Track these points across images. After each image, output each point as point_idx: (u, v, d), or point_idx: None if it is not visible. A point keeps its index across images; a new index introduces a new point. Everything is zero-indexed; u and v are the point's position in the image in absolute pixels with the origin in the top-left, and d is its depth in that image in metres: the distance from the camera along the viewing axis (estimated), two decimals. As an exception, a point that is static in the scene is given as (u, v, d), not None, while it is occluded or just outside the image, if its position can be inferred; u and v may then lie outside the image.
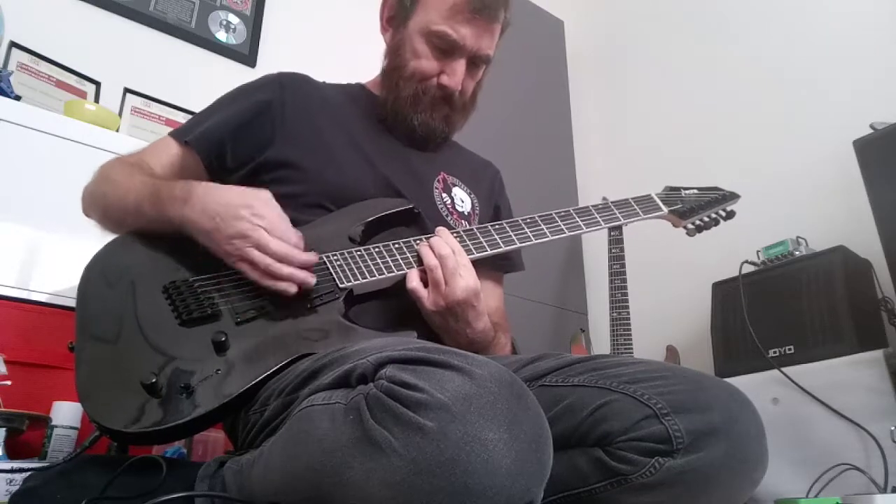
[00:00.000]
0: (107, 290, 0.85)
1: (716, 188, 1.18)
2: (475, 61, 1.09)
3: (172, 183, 0.92)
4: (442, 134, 1.14)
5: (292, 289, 0.84)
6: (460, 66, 1.07)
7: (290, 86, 1.09)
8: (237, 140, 1.03)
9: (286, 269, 0.83)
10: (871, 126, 1.49)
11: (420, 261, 0.92)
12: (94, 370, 0.77)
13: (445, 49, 1.06)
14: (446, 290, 0.89)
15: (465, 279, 0.90)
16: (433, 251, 0.91)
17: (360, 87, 1.21)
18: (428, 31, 1.06)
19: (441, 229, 0.96)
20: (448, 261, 0.90)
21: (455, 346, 0.98)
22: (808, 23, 2.04)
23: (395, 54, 1.11)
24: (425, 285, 0.91)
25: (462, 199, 1.13)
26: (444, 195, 1.10)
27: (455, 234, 0.97)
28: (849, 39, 1.90)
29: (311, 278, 0.86)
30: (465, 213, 1.12)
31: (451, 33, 1.04)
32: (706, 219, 1.16)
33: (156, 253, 0.89)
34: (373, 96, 1.17)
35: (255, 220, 0.83)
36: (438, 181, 1.12)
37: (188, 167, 1.03)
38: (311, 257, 0.87)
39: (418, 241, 0.95)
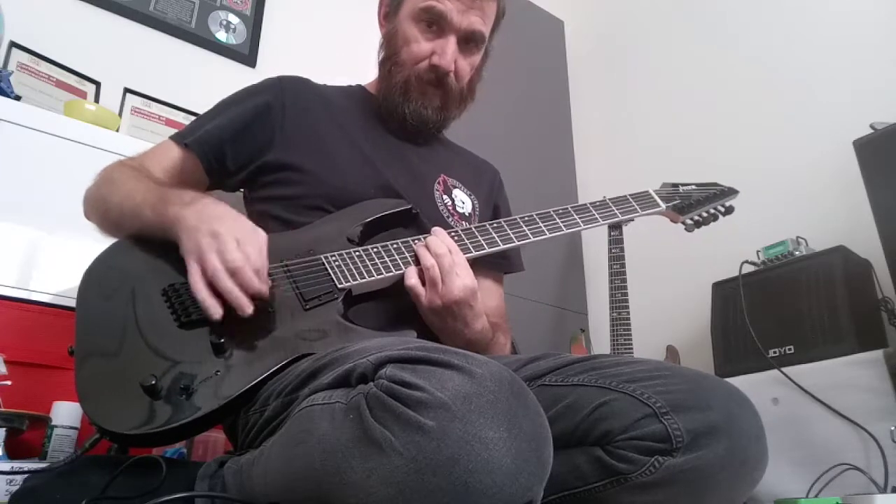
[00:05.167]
0: (107, 293, 0.85)
1: (714, 184, 1.18)
2: (466, 39, 1.09)
3: (184, 190, 0.92)
4: (435, 123, 1.13)
5: (215, 311, 0.78)
6: (450, 44, 1.07)
7: (290, 88, 1.09)
8: (237, 143, 1.03)
9: (226, 284, 0.78)
10: (871, 126, 1.49)
11: (418, 260, 0.92)
12: (94, 373, 0.77)
13: (432, 23, 1.06)
14: (443, 289, 0.89)
15: (462, 278, 0.90)
16: (430, 250, 0.91)
17: (359, 89, 1.21)
18: (415, 10, 1.07)
19: (437, 229, 0.96)
20: (444, 259, 0.89)
21: (453, 347, 1.00)
22: (808, 23, 2.04)
23: (388, 44, 1.12)
24: (423, 284, 0.91)
25: (463, 200, 1.13)
26: (444, 197, 1.11)
27: (452, 234, 0.97)
28: (849, 39, 1.90)
29: (248, 307, 0.79)
30: (466, 215, 1.12)
31: (435, 4, 1.05)
32: (704, 214, 1.15)
33: (156, 256, 0.89)
34: (372, 97, 1.17)
35: (232, 229, 0.82)
36: (439, 183, 1.12)
37: (189, 170, 1.03)
38: (261, 286, 0.81)
39: (416, 241, 0.95)
